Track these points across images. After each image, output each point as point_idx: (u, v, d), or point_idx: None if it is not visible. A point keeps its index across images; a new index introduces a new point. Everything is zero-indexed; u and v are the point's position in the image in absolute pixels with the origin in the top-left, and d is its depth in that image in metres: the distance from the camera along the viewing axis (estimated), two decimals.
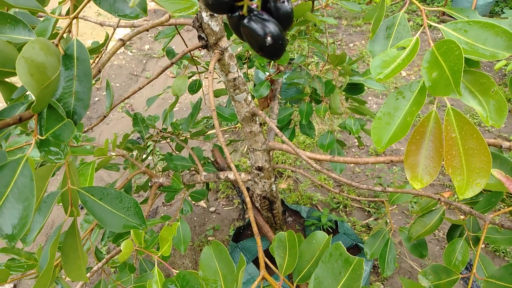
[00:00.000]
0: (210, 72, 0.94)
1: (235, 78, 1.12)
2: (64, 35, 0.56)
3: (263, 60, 1.48)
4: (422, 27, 0.56)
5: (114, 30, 1.10)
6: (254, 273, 1.82)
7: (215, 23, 0.96)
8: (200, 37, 1.00)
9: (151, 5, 5.67)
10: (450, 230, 1.17)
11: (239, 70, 1.12)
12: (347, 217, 2.55)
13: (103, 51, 1.11)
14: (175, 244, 1.33)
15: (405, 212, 2.55)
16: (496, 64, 2.94)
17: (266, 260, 0.68)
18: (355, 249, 2.01)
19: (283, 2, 0.31)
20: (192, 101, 3.99)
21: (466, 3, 4.46)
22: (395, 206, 2.59)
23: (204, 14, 0.94)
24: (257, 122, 1.27)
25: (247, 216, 2.34)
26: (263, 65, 1.46)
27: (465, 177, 0.54)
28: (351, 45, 4.64)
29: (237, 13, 0.32)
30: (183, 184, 1.50)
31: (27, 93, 0.63)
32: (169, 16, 0.84)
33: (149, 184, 1.58)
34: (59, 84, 0.51)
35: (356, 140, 2.58)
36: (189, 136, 1.77)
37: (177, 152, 1.83)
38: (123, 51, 5.00)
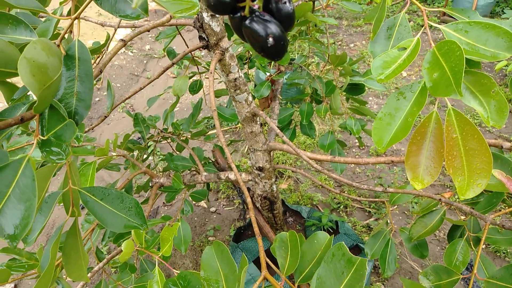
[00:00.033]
0: (211, 73, 0.94)
1: (236, 79, 1.12)
2: (66, 36, 0.56)
3: (264, 61, 1.48)
4: (423, 27, 0.56)
5: (115, 30, 1.10)
6: (255, 273, 1.82)
7: (216, 24, 0.96)
8: (201, 38, 1.00)
9: (151, 5, 5.67)
10: (450, 231, 1.17)
11: (239, 71, 1.12)
12: (348, 217, 2.55)
13: (104, 51, 1.12)
14: (175, 244, 1.33)
15: (406, 212, 2.55)
16: (496, 65, 2.93)
17: (268, 260, 0.68)
18: (356, 249, 2.01)
19: (285, 3, 0.31)
20: (192, 101, 3.99)
21: (467, 4, 4.45)
22: (396, 206, 2.59)
23: (205, 15, 0.94)
24: (258, 123, 1.27)
25: (247, 216, 2.34)
26: (263, 66, 1.46)
27: (466, 177, 0.54)
28: (352, 45, 4.64)
29: (239, 14, 0.32)
30: (184, 184, 1.50)
31: (28, 94, 0.63)
32: (170, 16, 0.84)
33: (150, 184, 1.59)
34: (60, 84, 0.51)
35: (356, 141, 2.58)
36: (189, 136, 1.77)
37: (177, 152, 1.83)
38: (124, 51, 5.00)
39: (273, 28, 0.30)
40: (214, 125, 3.50)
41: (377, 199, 1.43)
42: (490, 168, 0.52)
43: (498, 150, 0.83)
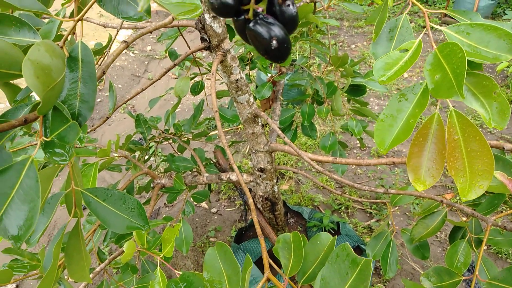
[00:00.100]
0: (212, 74, 0.94)
1: (237, 80, 1.12)
2: (68, 37, 0.57)
3: (265, 62, 1.49)
4: (425, 29, 0.56)
5: (117, 31, 1.10)
6: (256, 274, 1.82)
7: (217, 25, 0.96)
8: (202, 39, 1.00)
9: (153, 6, 5.69)
10: (452, 232, 1.17)
11: (241, 72, 1.13)
12: (349, 218, 2.55)
13: (106, 53, 1.12)
14: (177, 245, 1.33)
15: (407, 213, 2.55)
16: (498, 66, 2.93)
17: (270, 261, 0.68)
18: (357, 250, 2.01)
19: (288, 5, 0.32)
20: (194, 102, 3.99)
21: (468, 5, 4.45)
22: (397, 207, 2.59)
23: (207, 16, 0.94)
24: (259, 124, 1.28)
25: (248, 217, 2.34)
26: (265, 67, 1.46)
27: (467, 179, 0.54)
28: (353, 46, 4.64)
29: (242, 17, 0.32)
30: (185, 185, 1.50)
31: (30, 95, 0.63)
32: (173, 18, 0.84)
33: (152, 185, 1.59)
34: (64, 86, 0.51)
35: (358, 142, 2.58)
36: (191, 137, 1.77)
37: (179, 153, 1.83)
38: (125, 52, 5.01)
39: (277, 30, 0.30)
40: (215, 126, 3.50)
41: (378, 200, 1.43)
42: (492, 170, 0.52)
43: (500, 151, 0.83)
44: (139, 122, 1.65)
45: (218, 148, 1.74)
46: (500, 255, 2.21)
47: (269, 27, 0.30)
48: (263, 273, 1.56)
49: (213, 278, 0.64)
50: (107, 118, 1.06)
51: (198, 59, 1.47)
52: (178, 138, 1.75)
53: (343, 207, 2.62)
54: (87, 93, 0.52)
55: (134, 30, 1.00)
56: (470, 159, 0.53)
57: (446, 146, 0.55)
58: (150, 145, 1.78)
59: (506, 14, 4.46)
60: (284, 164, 3.06)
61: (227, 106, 2.29)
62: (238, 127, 3.53)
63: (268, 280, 0.63)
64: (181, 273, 0.75)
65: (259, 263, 1.93)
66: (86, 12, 0.53)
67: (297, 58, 1.71)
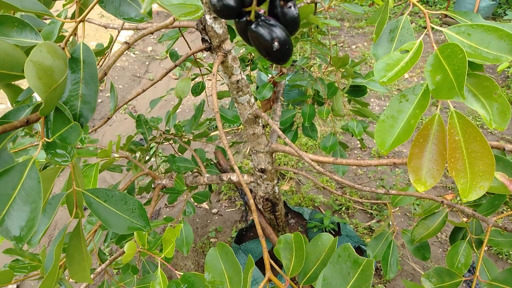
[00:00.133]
0: (213, 74, 0.94)
1: (238, 80, 1.12)
2: (70, 38, 0.57)
3: (266, 62, 1.49)
4: (426, 30, 0.57)
5: (119, 32, 1.10)
6: (256, 275, 1.82)
7: (218, 26, 0.96)
8: (203, 40, 1.00)
9: (154, 7, 5.69)
10: (453, 233, 1.17)
11: (242, 72, 1.13)
12: (350, 219, 2.55)
13: (107, 53, 1.12)
14: (177, 246, 1.33)
15: (408, 214, 2.55)
16: (498, 67, 2.93)
17: (271, 261, 0.68)
18: (358, 251, 2.01)
19: (290, 7, 0.32)
20: (195, 103, 4.00)
21: (469, 5, 4.46)
22: (398, 208, 2.59)
23: (207, 17, 0.94)
24: (260, 124, 1.28)
25: (249, 218, 2.34)
26: (265, 67, 1.47)
27: (468, 179, 0.54)
28: (354, 47, 4.64)
29: (244, 19, 0.32)
30: (186, 186, 1.50)
31: (32, 95, 0.63)
32: (174, 19, 0.84)
33: (152, 186, 1.59)
34: (66, 87, 0.52)
35: (358, 142, 2.58)
36: (191, 138, 1.77)
37: (179, 154, 1.83)
38: (126, 53, 5.01)
39: (279, 32, 0.30)
40: (216, 127, 3.50)
41: (379, 201, 1.43)
42: (493, 170, 0.52)
43: (501, 152, 0.83)
44: (140, 122, 1.65)
45: (218, 148, 1.74)
46: (501, 256, 2.21)
47: (271, 29, 0.30)
48: (263, 273, 1.56)
49: (215, 279, 0.64)
50: (108, 118, 1.06)
51: (199, 60, 1.47)
52: (179, 138, 1.75)
53: (344, 208, 2.62)
54: (89, 94, 0.52)
55: (135, 31, 1.00)
56: (471, 160, 0.53)
57: (447, 147, 0.55)
58: (151, 146, 1.78)
59: (507, 14, 4.46)
60: (284, 164, 3.06)
61: (228, 106, 2.29)
62: (239, 127, 3.53)
63: (270, 280, 0.63)
64: (181, 273, 0.75)
65: (259, 263, 1.93)
66: (88, 13, 0.53)
67: (297, 59, 1.72)
